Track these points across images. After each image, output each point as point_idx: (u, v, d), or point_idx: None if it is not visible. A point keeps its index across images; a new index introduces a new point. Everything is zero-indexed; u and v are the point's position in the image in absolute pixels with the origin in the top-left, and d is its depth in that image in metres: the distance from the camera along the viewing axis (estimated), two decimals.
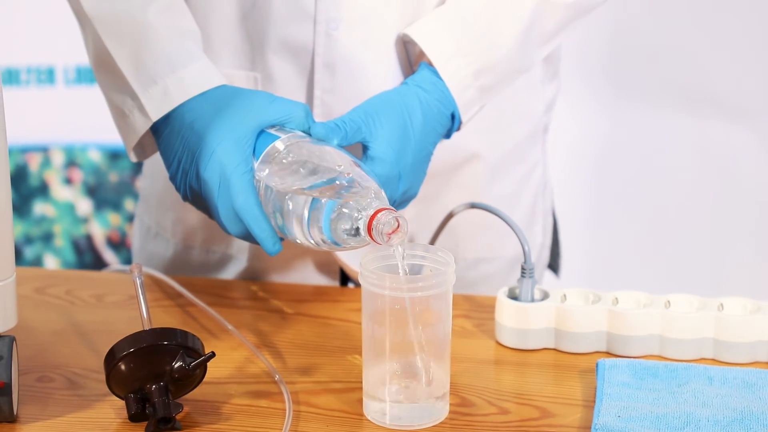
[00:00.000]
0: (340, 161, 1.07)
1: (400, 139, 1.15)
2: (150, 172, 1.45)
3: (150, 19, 1.17)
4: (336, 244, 1.04)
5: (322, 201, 1.03)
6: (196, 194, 1.13)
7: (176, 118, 1.15)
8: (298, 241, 1.07)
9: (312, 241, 1.05)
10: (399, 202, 1.17)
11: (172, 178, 1.15)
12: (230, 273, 1.39)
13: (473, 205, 1.23)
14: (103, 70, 1.20)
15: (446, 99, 1.19)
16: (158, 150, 1.19)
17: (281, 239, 1.10)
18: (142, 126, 1.17)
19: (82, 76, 2.50)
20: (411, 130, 1.16)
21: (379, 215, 1.00)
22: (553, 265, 1.53)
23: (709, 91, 2.37)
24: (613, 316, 1.17)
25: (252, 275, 1.38)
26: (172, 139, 1.14)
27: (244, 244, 1.37)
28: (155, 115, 1.16)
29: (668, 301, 1.18)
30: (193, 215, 1.39)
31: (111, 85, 1.20)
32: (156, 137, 1.18)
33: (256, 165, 1.10)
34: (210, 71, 1.17)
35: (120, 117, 1.20)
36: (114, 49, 1.18)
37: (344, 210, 1.02)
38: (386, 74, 1.25)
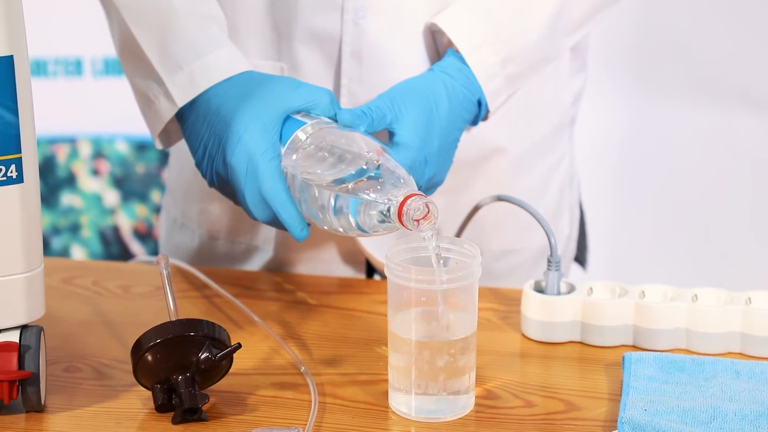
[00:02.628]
0: (368, 147, 1.07)
1: (426, 125, 1.15)
2: (176, 163, 1.45)
3: (175, 5, 1.18)
4: (363, 230, 1.04)
5: (350, 187, 1.03)
6: (222, 180, 1.13)
7: (202, 103, 1.15)
8: (326, 227, 1.07)
9: (340, 228, 1.05)
10: (425, 188, 1.17)
11: (198, 165, 1.15)
12: (256, 264, 1.39)
13: (499, 198, 1.23)
14: (129, 57, 1.21)
15: (472, 85, 1.19)
16: (183, 137, 1.19)
17: (309, 225, 1.10)
18: (168, 112, 1.18)
19: (109, 68, 2.51)
20: (437, 116, 1.16)
21: (409, 201, 1.00)
22: (581, 258, 1.53)
23: (735, 84, 2.35)
24: (640, 309, 1.16)
25: (278, 266, 1.39)
26: (198, 125, 1.15)
27: (270, 235, 1.38)
28: (181, 101, 1.16)
29: (695, 295, 1.18)
30: (218, 206, 1.39)
31: (136, 72, 1.21)
32: (181, 124, 1.19)
33: (282, 151, 1.10)
34: (235, 57, 1.17)
35: (146, 103, 1.20)
36: (140, 35, 1.18)
37: (373, 196, 1.02)
38: (413, 63, 1.25)
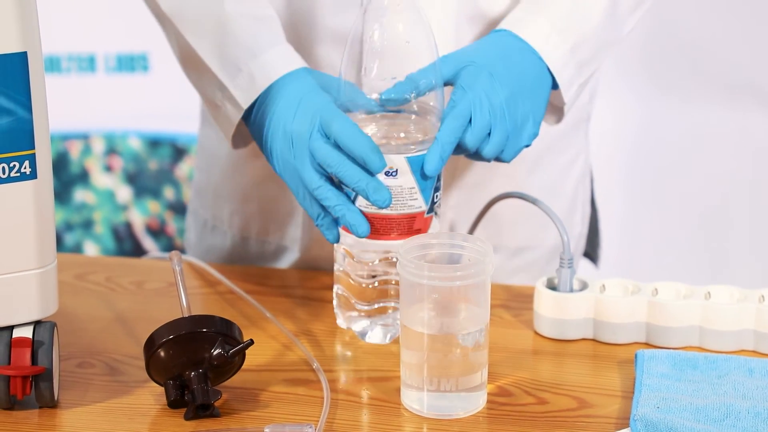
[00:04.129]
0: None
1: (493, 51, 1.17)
2: (205, 165, 1.45)
3: (227, 10, 1.19)
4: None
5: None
6: (286, 157, 1.13)
7: (262, 96, 1.17)
8: None
9: None
10: (502, 108, 1.14)
11: (263, 148, 1.16)
12: (284, 265, 1.40)
13: (513, 195, 1.23)
14: (191, 67, 1.23)
15: (536, 53, 1.19)
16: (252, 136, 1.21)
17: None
18: (236, 115, 1.19)
19: (122, 64, 2.52)
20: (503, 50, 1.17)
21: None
22: (593, 255, 1.52)
23: (747, 81, 2.35)
24: (653, 306, 1.16)
25: (304, 266, 1.38)
26: (260, 116, 1.17)
27: (297, 235, 1.37)
28: (245, 103, 1.18)
29: (708, 293, 1.17)
30: (249, 206, 1.39)
31: (199, 81, 1.23)
32: (247, 123, 1.20)
33: None
34: (290, 54, 1.19)
35: (214, 109, 1.23)
36: (197, 44, 1.20)
37: None
38: None
